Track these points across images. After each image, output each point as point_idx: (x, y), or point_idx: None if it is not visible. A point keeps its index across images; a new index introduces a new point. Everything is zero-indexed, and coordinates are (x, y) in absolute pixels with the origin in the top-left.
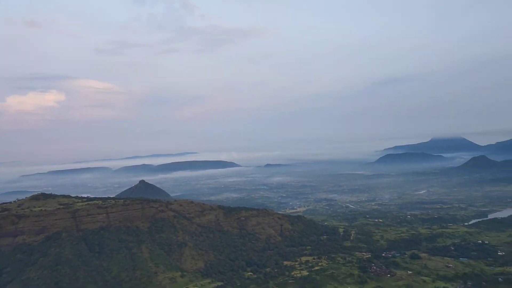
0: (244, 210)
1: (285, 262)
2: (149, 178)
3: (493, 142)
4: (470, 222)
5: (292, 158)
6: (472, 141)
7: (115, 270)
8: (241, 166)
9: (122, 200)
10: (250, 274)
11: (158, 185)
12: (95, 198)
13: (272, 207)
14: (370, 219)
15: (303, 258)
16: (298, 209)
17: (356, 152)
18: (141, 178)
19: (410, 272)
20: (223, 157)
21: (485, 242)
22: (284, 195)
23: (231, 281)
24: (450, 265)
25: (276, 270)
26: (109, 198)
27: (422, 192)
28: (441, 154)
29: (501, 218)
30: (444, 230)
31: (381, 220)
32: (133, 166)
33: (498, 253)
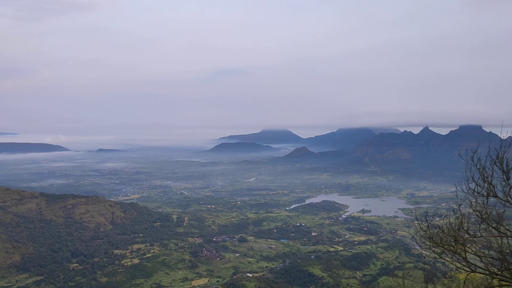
0: (71, 197)
1: (116, 251)
2: None
3: (313, 136)
4: (291, 207)
5: (127, 143)
6: (296, 133)
7: None
8: (69, 150)
9: None
10: (76, 266)
11: None
12: None
13: (103, 194)
14: (203, 205)
15: (135, 246)
16: (132, 196)
17: (193, 139)
18: None
19: (238, 254)
20: (48, 139)
21: (302, 224)
22: (117, 181)
23: (53, 274)
24: (272, 246)
25: (105, 260)
26: None
27: (251, 179)
28: (270, 145)
29: (316, 202)
30: (269, 214)
31: (213, 206)
32: None
33: (312, 234)
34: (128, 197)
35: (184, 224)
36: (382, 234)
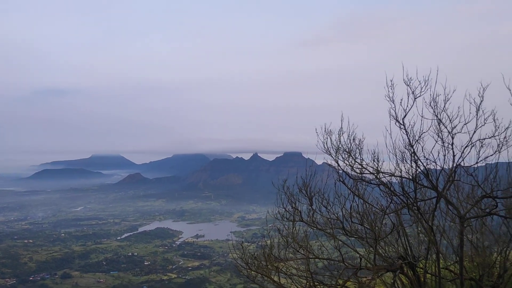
0: None
1: None
2: None
3: (147, 161)
4: (123, 236)
5: None
6: (129, 159)
7: None
8: None
9: None
10: None
11: None
12: None
13: None
14: (19, 240)
15: None
16: None
17: (7, 166)
18: None
19: None
20: None
21: (134, 254)
22: None
23: None
24: (101, 280)
25: None
26: None
27: (79, 209)
28: (100, 171)
29: (149, 230)
30: (98, 245)
31: (31, 241)
32: None
33: (145, 263)
34: None
35: None
36: (215, 258)
